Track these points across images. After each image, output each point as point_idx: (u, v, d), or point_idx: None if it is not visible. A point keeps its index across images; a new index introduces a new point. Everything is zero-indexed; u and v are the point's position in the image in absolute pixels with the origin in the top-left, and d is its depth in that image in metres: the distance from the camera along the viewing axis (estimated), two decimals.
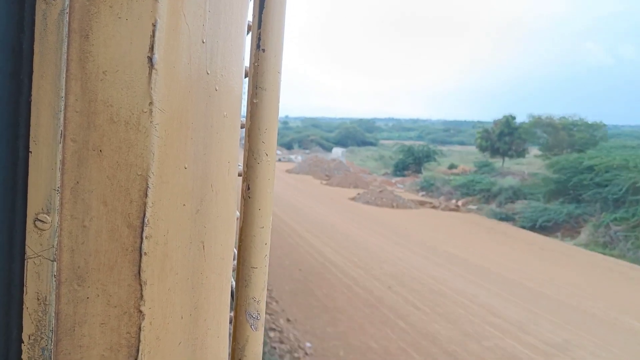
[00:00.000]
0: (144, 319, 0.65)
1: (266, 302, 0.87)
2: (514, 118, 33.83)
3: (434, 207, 23.95)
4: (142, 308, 0.64)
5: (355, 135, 70.02)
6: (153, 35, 0.62)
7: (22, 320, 0.61)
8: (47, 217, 0.60)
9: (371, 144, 67.96)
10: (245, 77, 0.86)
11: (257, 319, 0.73)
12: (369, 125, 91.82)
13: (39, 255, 0.60)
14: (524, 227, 20.04)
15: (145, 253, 0.64)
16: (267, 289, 1.30)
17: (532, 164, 31.89)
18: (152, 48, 0.62)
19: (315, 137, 63.95)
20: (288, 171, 35.52)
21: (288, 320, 8.64)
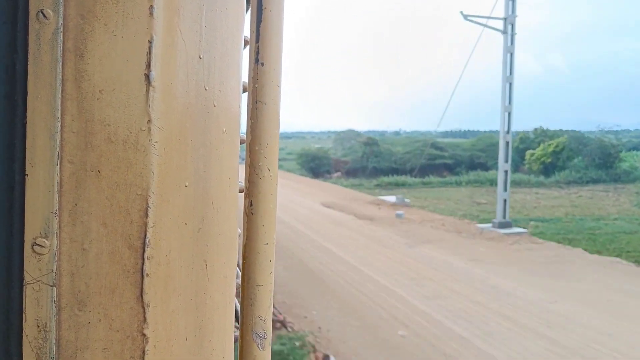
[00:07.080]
0: (147, 342, 0.63)
1: None
2: None
3: None
4: (145, 331, 0.63)
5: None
6: (149, 52, 0.61)
7: (22, 349, 0.59)
8: (46, 241, 0.59)
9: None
10: (243, 92, 0.85)
11: (264, 338, 0.71)
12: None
13: (38, 281, 0.59)
14: None
15: (147, 274, 0.62)
16: None
17: None
18: (148, 65, 0.61)
19: None
20: None
21: None
